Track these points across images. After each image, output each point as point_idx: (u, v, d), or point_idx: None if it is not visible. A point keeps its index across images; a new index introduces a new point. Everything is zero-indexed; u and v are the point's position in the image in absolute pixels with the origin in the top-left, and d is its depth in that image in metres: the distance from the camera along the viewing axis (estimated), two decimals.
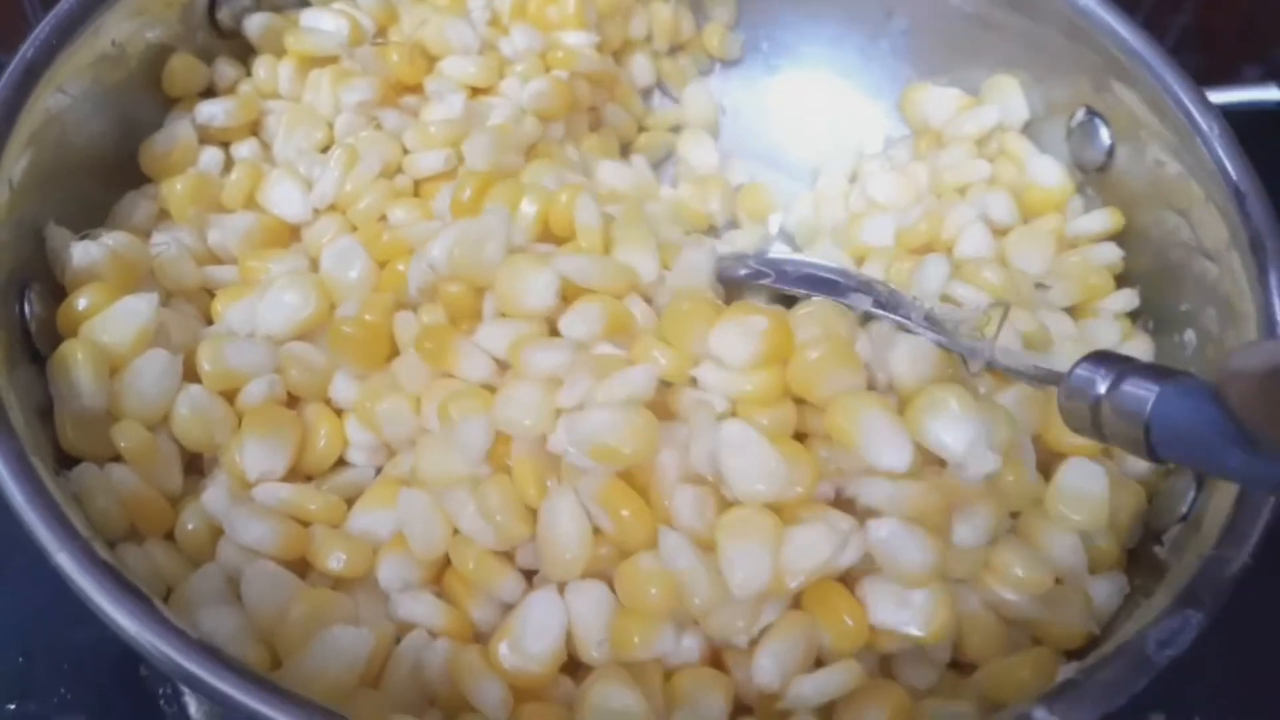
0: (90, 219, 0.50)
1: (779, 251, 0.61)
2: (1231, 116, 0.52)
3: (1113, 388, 0.37)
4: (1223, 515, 0.41)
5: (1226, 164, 0.50)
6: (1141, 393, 0.36)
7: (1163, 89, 0.53)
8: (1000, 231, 0.58)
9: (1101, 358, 0.38)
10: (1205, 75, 0.83)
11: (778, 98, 0.69)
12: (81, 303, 0.44)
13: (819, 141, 0.67)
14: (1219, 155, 0.50)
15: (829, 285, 0.49)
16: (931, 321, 0.47)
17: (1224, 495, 0.42)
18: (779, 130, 0.68)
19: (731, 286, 0.50)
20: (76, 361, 0.41)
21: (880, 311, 0.47)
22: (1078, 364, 0.39)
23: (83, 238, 0.46)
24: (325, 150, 0.55)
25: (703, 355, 0.42)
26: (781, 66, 0.69)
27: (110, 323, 0.43)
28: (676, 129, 0.67)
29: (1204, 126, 0.51)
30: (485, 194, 0.49)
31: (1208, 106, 0.52)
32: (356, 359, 0.45)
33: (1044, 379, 0.43)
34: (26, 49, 0.46)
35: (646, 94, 0.68)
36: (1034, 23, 0.59)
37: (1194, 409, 0.34)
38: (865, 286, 0.49)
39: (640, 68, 0.66)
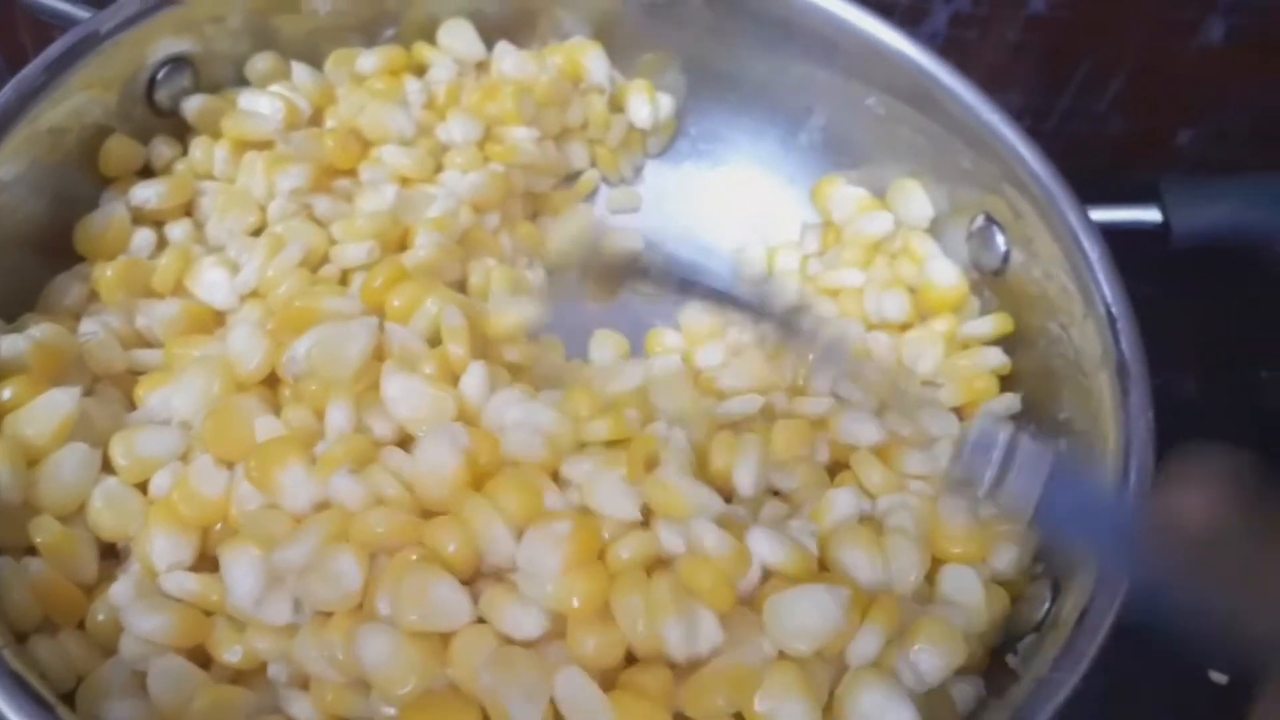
0: (26, 295, 0.53)
1: None
2: (1115, 235, 0.56)
3: (1013, 444, 0.41)
4: (1065, 632, 0.44)
5: (1104, 286, 0.53)
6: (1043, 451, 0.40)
7: (1051, 206, 0.56)
8: (896, 327, 0.61)
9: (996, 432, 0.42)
10: (1141, 138, 0.89)
11: (700, 183, 0.72)
12: (5, 394, 0.46)
13: (738, 227, 0.69)
14: (1097, 277, 0.53)
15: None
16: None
17: (1072, 608, 0.46)
18: (700, 214, 0.71)
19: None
20: None
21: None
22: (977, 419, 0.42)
23: (8, 331, 0.48)
24: (258, 233, 0.57)
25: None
26: (706, 152, 0.72)
27: (33, 416, 0.45)
28: None
29: (1086, 247, 0.54)
30: (395, 286, 0.51)
31: (1091, 228, 0.55)
32: (215, 451, 0.47)
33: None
34: None
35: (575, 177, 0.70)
36: (941, 129, 0.62)
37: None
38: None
39: (575, 154, 0.69)
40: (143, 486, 0.47)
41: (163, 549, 0.44)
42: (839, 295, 0.64)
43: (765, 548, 0.44)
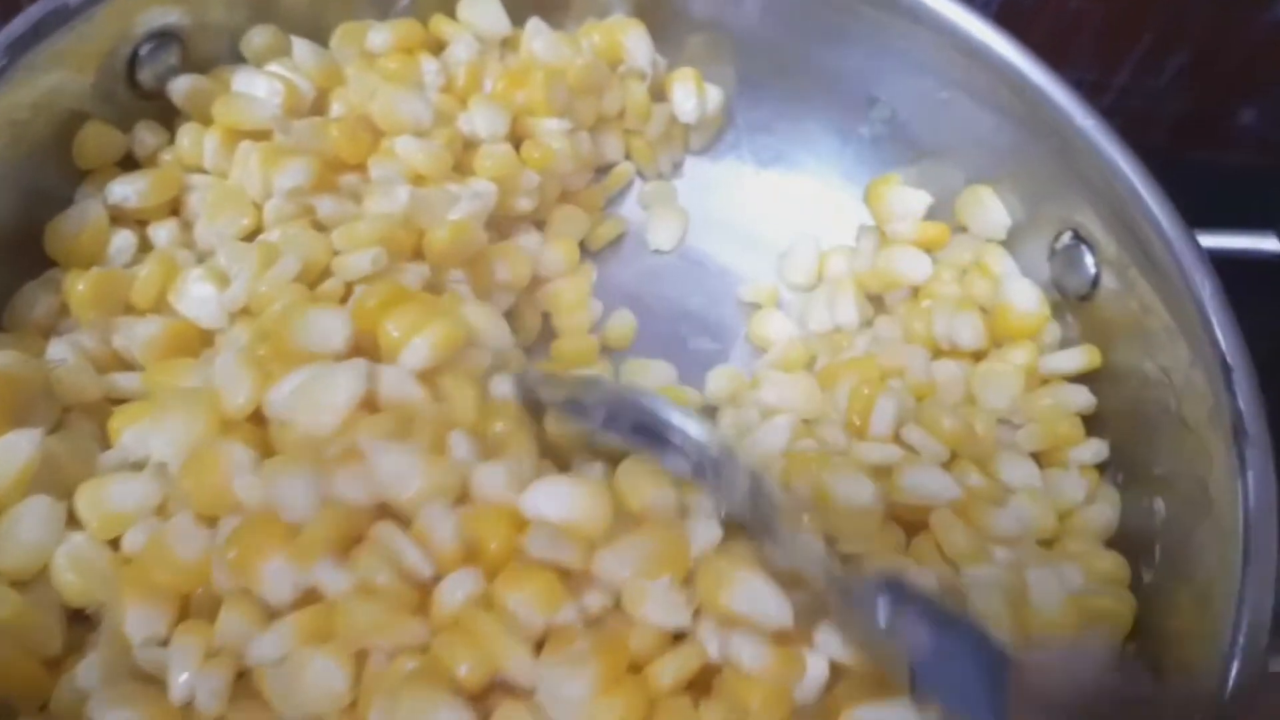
0: None
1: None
2: (1227, 265, 0.49)
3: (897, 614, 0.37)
4: None
5: (1217, 329, 0.46)
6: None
7: (1152, 228, 0.49)
8: (967, 355, 0.55)
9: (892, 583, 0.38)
10: (1202, 116, 0.82)
11: (745, 177, 0.65)
12: None
13: (786, 227, 0.63)
14: (1209, 318, 0.47)
15: (656, 441, 0.44)
16: (753, 502, 0.43)
17: None
18: (744, 212, 0.64)
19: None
20: None
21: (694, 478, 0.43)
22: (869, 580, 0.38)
23: None
24: (253, 236, 0.50)
25: None
26: (754, 143, 0.65)
27: None
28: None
29: (1195, 282, 0.48)
30: (392, 307, 0.45)
31: (1200, 256, 0.48)
32: (194, 505, 0.40)
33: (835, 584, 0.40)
34: None
35: (607, 169, 0.63)
36: (1025, 130, 0.55)
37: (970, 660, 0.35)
38: (695, 449, 0.44)
39: (610, 146, 0.62)
40: (116, 542, 0.41)
41: (136, 620, 0.38)
42: (900, 309, 0.58)
43: (836, 645, 0.38)
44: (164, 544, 0.39)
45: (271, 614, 0.37)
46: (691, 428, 0.45)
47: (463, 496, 0.39)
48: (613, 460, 0.45)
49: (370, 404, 0.41)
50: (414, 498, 0.38)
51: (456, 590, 0.36)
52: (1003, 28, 0.54)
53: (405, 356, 0.44)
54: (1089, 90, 0.77)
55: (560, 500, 0.38)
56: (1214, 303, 0.47)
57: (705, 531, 0.39)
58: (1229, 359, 0.46)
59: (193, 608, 0.40)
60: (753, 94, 0.63)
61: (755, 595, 0.37)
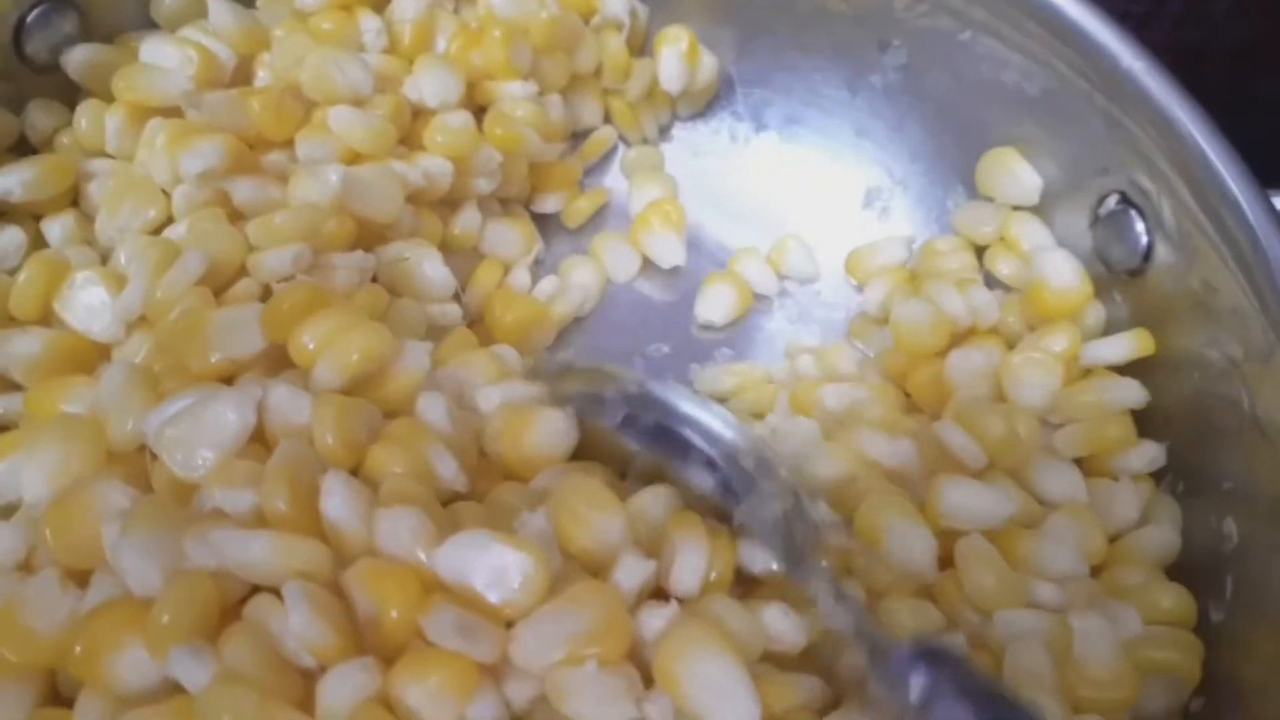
0: None
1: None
2: None
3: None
4: None
5: None
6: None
7: (1216, 188, 0.42)
8: (997, 339, 0.47)
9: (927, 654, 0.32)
10: (1264, 45, 0.75)
11: (742, 136, 0.58)
12: None
13: (789, 195, 0.56)
14: None
15: (678, 448, 0.39)
16: (785, 523, 0.36)
17: None
18: (741, 177, 0.57)
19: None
20: None
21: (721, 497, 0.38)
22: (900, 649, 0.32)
23: None
24: (162, 230, 0.44)
25: None
26: (751, 98, 0.57)
27: None
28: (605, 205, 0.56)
29: (1271, 253, 0.40)
30: (306, 315, 0.38)
31: (1276, 222, 0.40)
32: (61, 557, 0.34)
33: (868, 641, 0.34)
34: None
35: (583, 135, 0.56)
36: (1061, 75, 0.47)
37: None
38: (725, 459, 0.38)
39: (586, 109, 0.55)
40: None
41: None
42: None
43: None
44: (18, 613, 0.32)
45: (137, 702, 0.31)
46: (721, 428, 0.39)
47: (365, 550, 0.32)
48: None
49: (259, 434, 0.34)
50: (269, 579, 0.31)
51: (343, 687, 0.29)
52: None
53: (318, 373, 0.37)
54: (1137, 23, 0.71)
55: (486, 567, 0.30)
56: None
57: (657, 617, 0.32)
58: None
59: (63, 684, 0.33)
60: (748, 41, 0.56)
61: (720, 690, 0.30)
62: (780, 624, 0.35)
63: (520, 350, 0.46)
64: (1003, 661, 0.35)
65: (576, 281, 0.53)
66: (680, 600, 0.34)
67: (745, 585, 0.37)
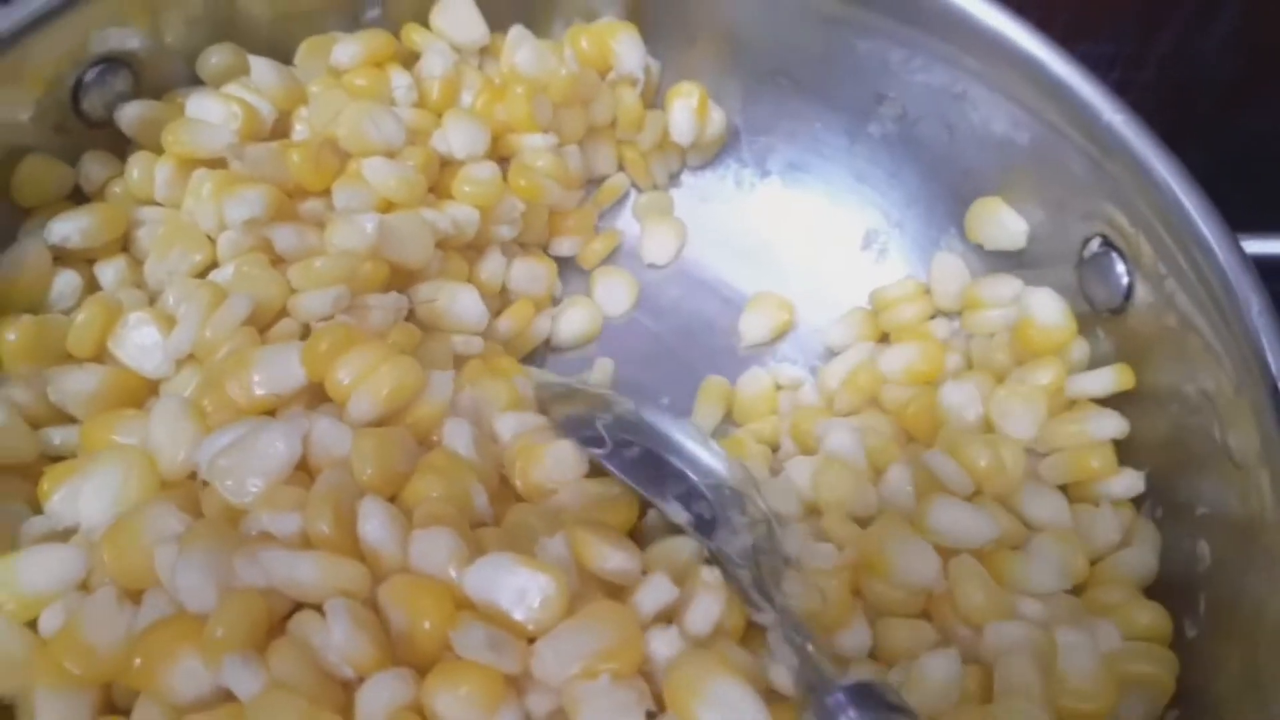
0: None
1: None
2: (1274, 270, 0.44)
3: None
4: None
5: (1266, 352, 0.41)
6: None
7: (1192, 233, 0.44)
8: (986, 374, 0.50)
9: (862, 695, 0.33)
10: (1252, 81, 0.76)
11: (748, 181, 0.61)
12: None
13: (792, 234, 0.59)
14: (1256, 337, 0.41)
15: (656, 480, 0.42)
16: (753, 556, 0.39)
17: None
18: (747, 220, 0.60)
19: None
20: None
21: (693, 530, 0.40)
22: (837, 689, 0.34)
23: None
24: (208, 273, 0.47)
25: None
26: (756, 145, 0.61)
27: None
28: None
29: (1240, 296, 0.42)
30: (342, 353, 0.41)
31: (1247, 268, 0.43)
32: (119, 578, 0.37)
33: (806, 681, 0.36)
34: None
35: (598, 182, 0.59)
36: (1048, 125, 0.50)
37: None
38: (708, 488, 0.41)
39: (601, 158, 0.58)
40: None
41: (49, 715, 0.35)
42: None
43: None
44: (79, 629, 0.35)
45: (190, 710, 0.33)
46: (708, 459, 0.42)
47: (399, 568, 0.35)
48: None
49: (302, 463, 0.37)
50: (312, 597, 0.34)
51: (380, 696, 0.32)
52: (1031, 2, 0.49)
53: (353, 407, 0.40)
54: (1127, 63, 0.73)
55: (511, 587, 0.33)
56: (1262, 320, 0.42)
57: (665, 642, 0.35)
58: None
59: (118, 696, 0.36)
60: (753, 93, 0.59)
61: (734, 710, 0.33)
62: (780, 676, 0.37)
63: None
64: (993, 673, 0.38)
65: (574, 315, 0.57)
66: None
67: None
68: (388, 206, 0.49)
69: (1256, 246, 0.44)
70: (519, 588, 0.33)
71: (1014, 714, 0.35)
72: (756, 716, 0.33)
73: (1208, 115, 0.78)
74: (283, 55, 0.53)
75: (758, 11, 0.56)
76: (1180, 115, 0.47)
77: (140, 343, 0.44)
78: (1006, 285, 0.53)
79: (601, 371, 0.55)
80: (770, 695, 0.35)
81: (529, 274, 0.54)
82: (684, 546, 0.40)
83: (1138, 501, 0.47)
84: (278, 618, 0.34)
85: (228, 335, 0.43)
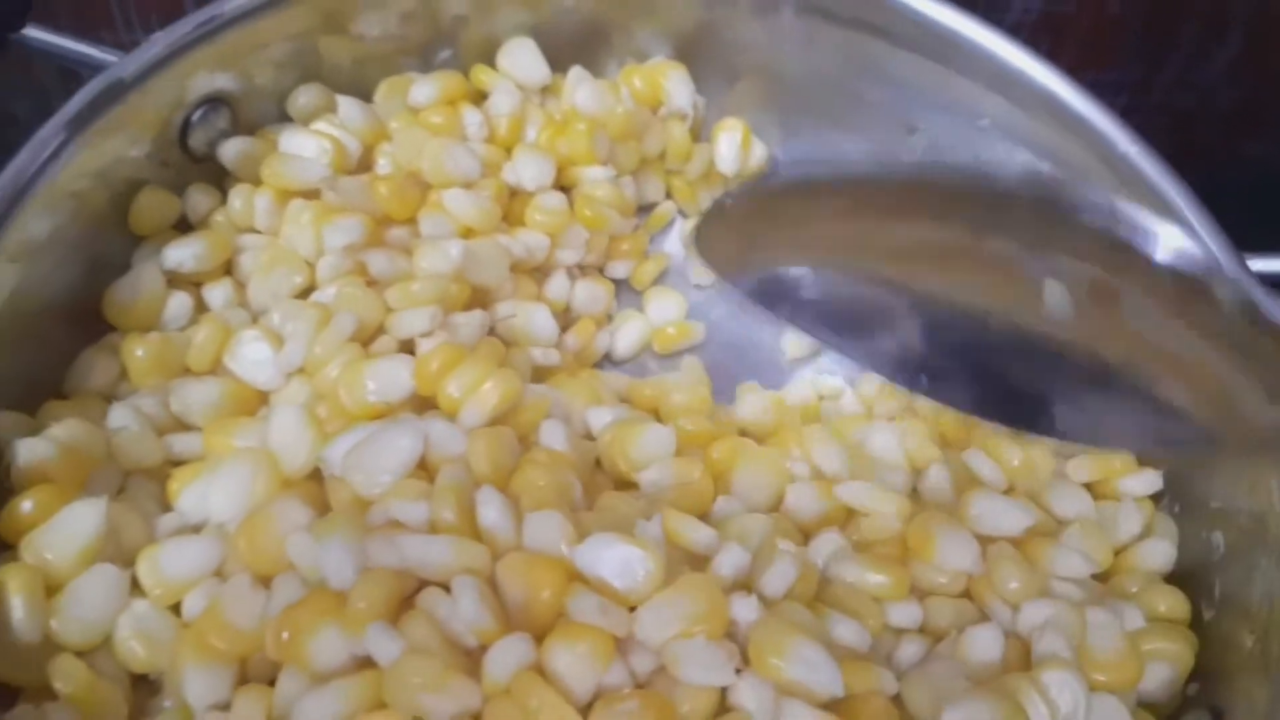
0: (51, 370, 0.48)
1: None
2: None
3: None
4: None
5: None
6: None
7: (1199, 249, 0.49)
8: None
9: None
10: (1254, 109, 0.80)
11: None
12: (25, 506, 0.41)
13: None
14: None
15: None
16: None
17: None
18: None
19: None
20: (8, 591, 0.39)
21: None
22: None
23: (30, 426, 0.43)
24: (306, 294, 0.52)
25: None
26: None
27: (54, 536, 0.40)
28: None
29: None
30: (451, 370, 0.45)
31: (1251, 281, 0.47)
32: (252, 566, 0.41)
33: None
34: None
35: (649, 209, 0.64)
36: (1066, 155, 0.54)
37: None
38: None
39: (651, 186, 0.63)
40: (179, 605, 0.42)
41: (197, 686, 0.39)
42: None
43: None
44: (220, 611, 0.39)
45: (328, 677, 0.38)
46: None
47: (514, 548, 0.39)
48: None
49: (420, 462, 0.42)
50: (440, 575, 0.38)
51: (505, 658, 0.36)
52: (1043, 31, 0.54)
53: (465, 415, 0.45)
54: (1134, 90, 0.77)
55: (615, 561, 0.38)
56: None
57: (746, 607, 0.39)
58: None
59: (251, 669, 0.40)
60: (792, 126, 0.63)
61: (810, 663, 0.37)
62: (848, 634, 0.42)
63: None
64: (1030, 646, 0.42)
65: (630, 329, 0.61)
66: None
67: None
68: (468, 233, 0.54)
69: (1259, 265, 0.49)
70: (623, 561, 0.38)
71: (1053, 678, 0.40)
72: (830, 669, 0.37)
73: (1211, 141, 0.82)
74: (363, 94, 0.58)
75: (796, 52, 0.60)
76: (1184, 141, 0.51)
77: (254, 358, 0.48)
78: None
79: (691, 370, 0.59)
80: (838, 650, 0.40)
81: (590, 294, 0.59)
82: (754, 523, 0.44)
83: (1156, 498, 0.51)
84: (405, 595, 0.38)
85: (335, 350, 0.47)
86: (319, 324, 0.48)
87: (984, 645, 0.42)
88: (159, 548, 0.42)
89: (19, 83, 0.71)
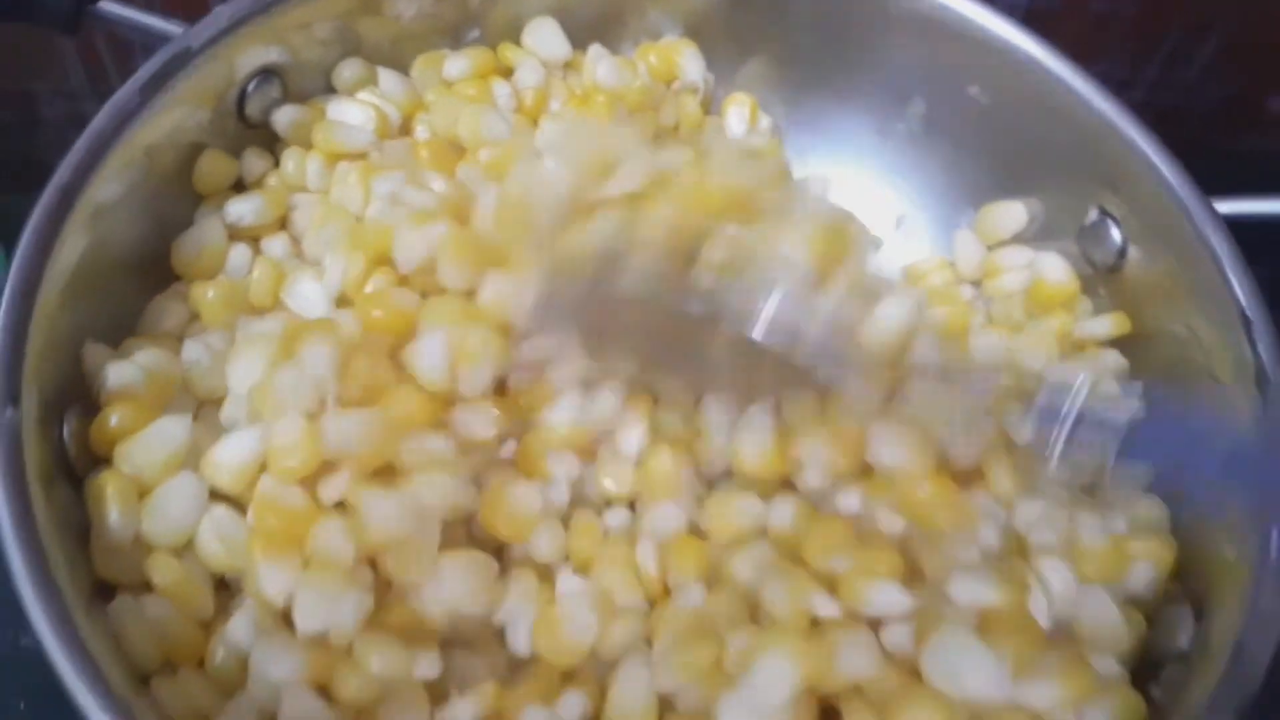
0: (126, 322, 0.52)
1: None
2: (1241, 228, 0.53)
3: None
4: (1219, 665, 0.42)
5: (1235, 287, 0.51)
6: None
7: (1171, 199, 0.54)
8: (1005, 327, 0.60)
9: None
10: (1235, 107, 0.85)
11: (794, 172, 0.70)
12: (114, 420, 0.45)
13: None
14: (1227, 277, 0.51)
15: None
16: None
17: (1222, 638, 0.44)
18: None
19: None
20: (106, 495, 0.43)
21: None
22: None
23: (117, 359, 0.48)
24: None
25: None
26: (796, 142, 0.69)
27: (142, 447, 0.45)
28: None
29: (1213, 244, 0.52)
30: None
31: (1217, 222, 0.52)
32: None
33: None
34: (62, 172, 0.47)
35: None
36: (1050, 119, 0.59)
37: None
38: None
39: None
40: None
41: (272, 582, 0.43)
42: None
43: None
44: (268, 497, 0.44)
45: None
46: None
47: None
48: None
49: None
50: None
51: None
52: (1032, 28, 0.59)
53: None
54: (1118, 87, 0.82)
55: None
56: (1231, 261, 0.51)
57: None
58: (1248, 312, 0.50)
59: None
60: (793, 96, 0.68)
61: None
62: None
63: None
64: (1025, 543, 0.47)
65: None
66: None
67: None
68: None
69: (1226, 207, 0.54)
70: None
71: (1046, 564, 0.44)
72: None
73: (1194, 138, 0.87)
74: (400, 70, 0.62)
75: (801, 32, 0.66)
76: (1168, 137, 0.56)
77: (305, 292, 0.53)
78: (1020, 254, 0.62)
79: None
80: None
81: None
82: None
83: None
84: None
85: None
86: (354, 244, 0.52)
87: (984, 537, 0.46)
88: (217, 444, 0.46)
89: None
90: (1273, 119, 0.88)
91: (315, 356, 0.45)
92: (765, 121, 0.68)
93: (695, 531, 0.48)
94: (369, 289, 0.51)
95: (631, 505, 0.51)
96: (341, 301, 0.52)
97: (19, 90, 0.79)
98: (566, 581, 0.48)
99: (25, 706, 0.55)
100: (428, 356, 0.46)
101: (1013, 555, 0.46)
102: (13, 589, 0.38)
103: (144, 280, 0.54)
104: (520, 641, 0.45)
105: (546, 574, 0.48)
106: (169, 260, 0.55)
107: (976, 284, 0.64)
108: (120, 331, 0.51)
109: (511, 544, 0.48)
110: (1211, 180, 0.54)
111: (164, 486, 0.45)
